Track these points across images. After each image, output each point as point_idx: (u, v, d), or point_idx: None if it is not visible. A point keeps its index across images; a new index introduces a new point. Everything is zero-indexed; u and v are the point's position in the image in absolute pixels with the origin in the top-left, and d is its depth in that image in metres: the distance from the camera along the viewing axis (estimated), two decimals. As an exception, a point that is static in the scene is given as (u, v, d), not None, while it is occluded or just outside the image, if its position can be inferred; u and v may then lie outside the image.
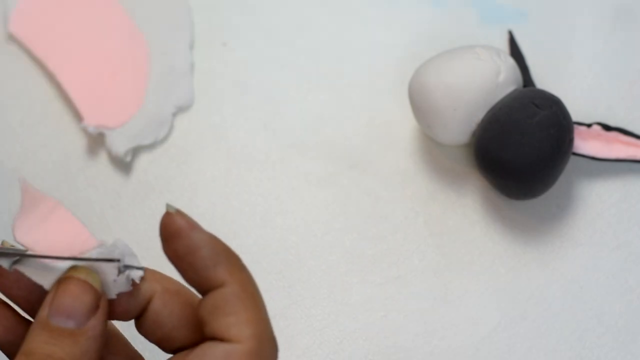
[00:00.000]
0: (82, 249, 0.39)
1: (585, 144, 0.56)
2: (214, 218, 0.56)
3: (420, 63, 0.55)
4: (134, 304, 0.40)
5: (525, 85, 0.56)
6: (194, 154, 0.58)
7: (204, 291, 0.39)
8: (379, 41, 0.60)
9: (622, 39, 0.60)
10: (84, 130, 0.58)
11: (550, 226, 0.56)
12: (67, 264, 0.39)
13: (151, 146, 0.58)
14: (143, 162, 0.58)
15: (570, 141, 0.54)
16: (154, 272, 0.40)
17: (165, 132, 0.58)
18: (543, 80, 0.58)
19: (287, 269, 0.55)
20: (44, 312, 0.38)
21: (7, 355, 0.40)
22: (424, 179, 0.57)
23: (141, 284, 0.40)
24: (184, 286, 0.41)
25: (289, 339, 0.54)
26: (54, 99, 0.59)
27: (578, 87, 0.59)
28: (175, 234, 0.39)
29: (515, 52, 0.59)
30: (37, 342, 0.38)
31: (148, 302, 0.40)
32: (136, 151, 0.58)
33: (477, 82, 0.53)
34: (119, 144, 0.57)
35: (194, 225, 0.39)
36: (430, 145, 0.58)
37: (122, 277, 0.39)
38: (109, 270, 0.39)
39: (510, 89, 0.54)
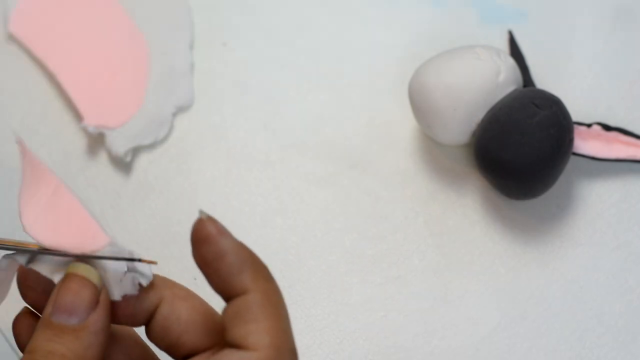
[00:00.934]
0: (93, 246, 0.40)
1: (585, 144, 0.56)
2: (214, 218, 0.56)
3: (420, 63, 0.55)
4: (140, 308, 0.40)
5: (525, 85, 0.56)
6: (194, 154, 0.58)
7: (228, 298, 0.39)
8: (379, 41, 0.60)
9: (622, 39, 0.60)
10: (84, 130, 0.58)
11: (550, 226, 0.56)
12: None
13: (151, 146, 0.58)
14: (143, 162, 0.58)
15: (570, 141, 0.54)
16: (164, 279, 0.41)
17: (165, 132, 0.58)
18: (543, 80, 0.58)
19: (287, 269, 0.55)
20: (47, 310, 0.38)
21: None
22: (424, 179, 0.57)
23: (149, 288, 0.40)
24: (192, 292, 0.41)
25: (289, 339, 0.54)
26: (54, 99, 0.59)
27: (578, 87, 0.59)
28: (205, 239, 0.38)
29: (515, 52, 0.59)
30: (40, 340, 0.38)
31: (156, 307, 0.40)
32: (136, 151, 0.58)
33: (477, 82, 0.53)
34: (119, 144, 0.57)
35: (223, 232, 0.39)
36: (430, 145, 0.58)
37: (129, 278, 0.39)
38: (117, 270, 0.39)
39: (510, 89, 0.54)
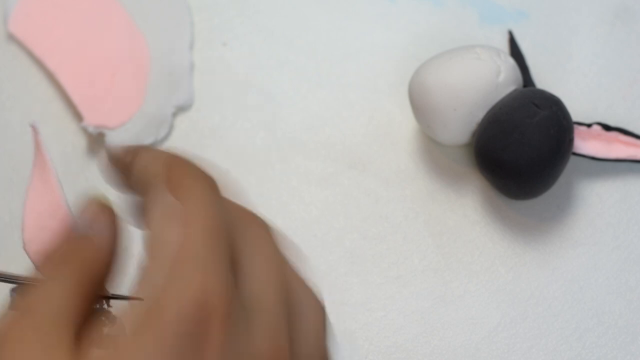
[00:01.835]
0: None
1: (585, 144, 0.56)
2: (214, 218, 0.56)
3: (420, 63, 0.55)
4: None
5: (525, 85, 0.56)
6: (194, 154, 0.58)
7: None
8: (379, 41, 0.60)
9: (622, 39, 0.60)
10: (84, 130, 0.58)
11: (550, 226, 0.56)
12: None
13: (151, 146, 0.58)
14: (143, 162, 0.58)
15: (570, 141, 0.54)
16: None
17: (165, 132, 0.58)
18: (543, 80, 0.58)
19: (287, 269, 0.55)
20: None
21: None
22: (424, 179, 0.57)
23: None
24: None
25: (289, 339, 0.54)
26: (54, 99, 0.59)
27: (578, 87, 0.59)
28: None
29: (515, 52, 0.59)
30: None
31: None
32: (136, 151, 0.58)
33: (477, 82, 0.53)
34: (119, 144, 0.57)
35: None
36: (430, 145, 0.58)
37: None
38: None
39: (510, 89, 0.54)
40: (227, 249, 0.34)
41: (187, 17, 0.60)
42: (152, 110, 0.58)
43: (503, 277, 0.55)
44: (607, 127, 0.56)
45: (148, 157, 0.37)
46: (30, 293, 0.34)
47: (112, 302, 0.38)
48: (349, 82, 0.59)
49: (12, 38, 0.60)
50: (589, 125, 0.56)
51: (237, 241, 0.35)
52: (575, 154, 0.55)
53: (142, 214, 0.36)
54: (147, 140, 0.58)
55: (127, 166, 0.37)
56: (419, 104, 0.54)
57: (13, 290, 0.40)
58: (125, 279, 0.38)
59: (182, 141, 0.58)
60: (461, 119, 0.54)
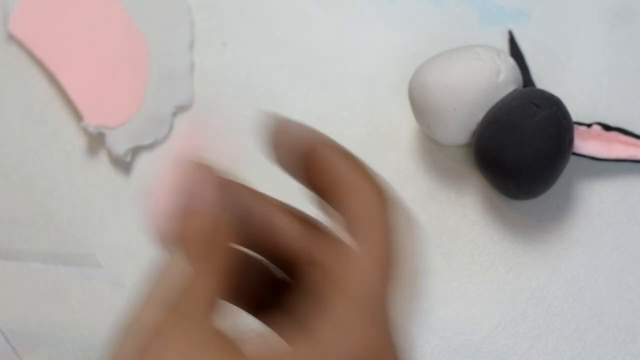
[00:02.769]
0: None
1: (585, 144, 0.56)
2: (214, 218, 0.56)
3: (420, 63, 0.55)
4: None
5: (525, 85, 0.56)
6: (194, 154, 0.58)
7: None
8: (379, 41, 0.60)
9: (622, 39, 0.60)
10: (84, 130, 0.58)
11: (550, 226, 0.56)
12: None
13: (151, 146, 0.58)
14: (143, 162, 0.58)
15: (570, 141, 0.54)
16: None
17: (165, 132, 0.58)
18: (543, 80, 0.58)
19: (287, 269, 0.55)
20: None
21: None
22: (424, 179, 0.57)
23: None
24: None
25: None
26: (54, 99, 0.59)
27: (578, 87, 0.59)
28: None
29: (515, 52, 0.59)
30: None
31: None
32: (136, 151, 0.58)
33: (477, 82, 0.53)
34: (119, 144, 0.57)
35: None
36: (430, 145, 0.58)
37: None
38: None
39: (510, 89, 0.54)
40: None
41: (187, 17, 0.61)
42: (152, 110, 0.58)
43: (503, 277, 0.55)
44: (607, 127, 0.56)
45: (337, 161, 0.38)
46: (175, 287, 0.34)
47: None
48: (349, 82, 0.59)
49: (12, 38, 0.60)
50: (589, 125, 0.56)
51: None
52: (575, 154, 0.55)
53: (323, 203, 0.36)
54: (147, 140, 0.58)
55: (304, 157, 0.38)
56: (419, 104, 0.54)
57: None
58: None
59: (182, 141, 0.58)
60: (461, 119, 0.54)
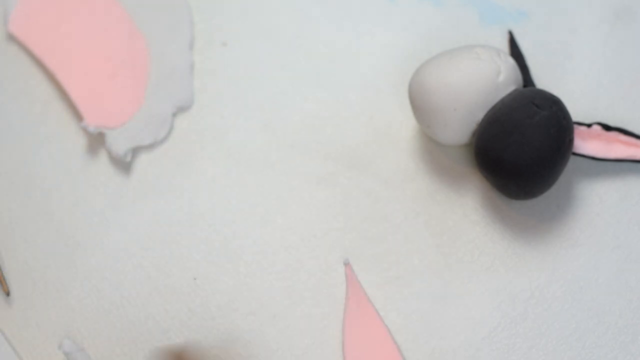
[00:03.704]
0: None
1: (585, 144, 0.56)
2: (214, 218, 0.56)
3: (420, 63, 0.55)
4: None
5: (525, 85, 0.56)
6: (194, 154, 0.58)
7: None
8: (379, 41, 0.60)
9: (622, 39, 0.60)
10: (84, 130, 0.58)
11: (550, 226, 0.56)
12: None
13: (151, 146, 0.58)
14: (143, 162, 0.58)
15: (570, 141, 0.54)
16: None
17: (165, 132, 0.58)
18: (543, 80, 0.58)
19: (287, 269, 0.55)
20: None
21: None
22: (424, 179, 0.57)
23: None
24: None
25: (289, 339, 0.54)
26: (54, 99, 0.59)
27: (578, 87, 0.59)
28: None
29: (515, 52, 0.59)
30: None
31: None
32: (136, 151, 0.58)
33: (477, 82, 0.53)
34: (119, 144, 0.57)
35: None
36: (430, 145, 0.58)
37: None
38: None
39: (510, 89, 0.54)
40: None
41: (187, 17, 0.61)
42: (152, 110, 0.58)
43: (503, 277, 0.55)
44: (607, 127, 0.56)
45: None
46: None
47: None
48: (349, 82, 0.59)
49: (12, 38, 0.60)
50: (589, 125, 0.56)
51: None
52: (575, 154, 0.55)
53: None
54: (147, 140, 0.58)
55: None
56: (419, 104, 0.54)
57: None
58: None
59: (182, 141, 0.58)
60: (461, 119, 0.54)
